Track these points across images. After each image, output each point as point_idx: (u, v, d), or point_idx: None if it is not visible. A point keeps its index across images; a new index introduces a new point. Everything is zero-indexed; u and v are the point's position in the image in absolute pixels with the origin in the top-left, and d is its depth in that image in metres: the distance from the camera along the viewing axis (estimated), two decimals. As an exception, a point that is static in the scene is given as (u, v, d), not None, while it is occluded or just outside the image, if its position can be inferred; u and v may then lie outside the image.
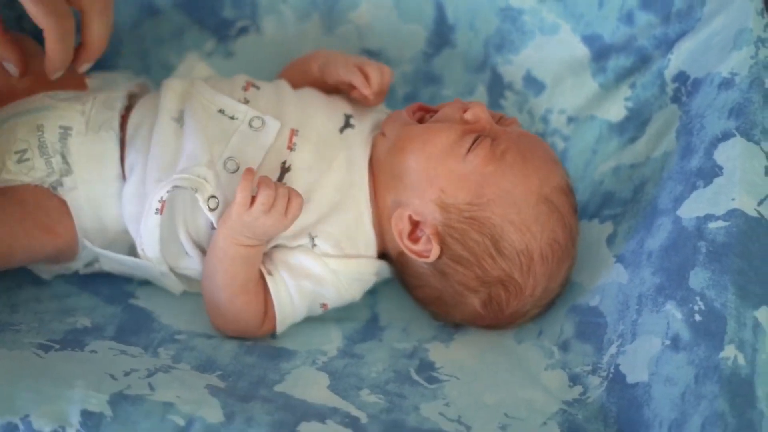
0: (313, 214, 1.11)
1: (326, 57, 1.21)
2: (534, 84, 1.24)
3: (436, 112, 1.14)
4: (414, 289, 1.18)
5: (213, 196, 1.08)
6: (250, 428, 0.98)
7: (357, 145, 1.14)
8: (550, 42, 1.22)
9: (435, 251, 1.10)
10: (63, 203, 1.13)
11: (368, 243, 1.14)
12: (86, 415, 0.97)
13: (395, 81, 1.28)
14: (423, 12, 1.25)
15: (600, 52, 1.20)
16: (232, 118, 1.12)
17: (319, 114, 1.15)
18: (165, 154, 1.11)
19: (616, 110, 1.20)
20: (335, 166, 1.12)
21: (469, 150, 1.08)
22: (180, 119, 1.13)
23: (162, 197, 1.08)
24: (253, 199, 1.05)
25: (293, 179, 1.11)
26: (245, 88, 1.16)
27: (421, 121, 1.13)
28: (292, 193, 1.05)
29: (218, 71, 1.29)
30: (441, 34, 1.26)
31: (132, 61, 1.23)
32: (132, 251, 1.15)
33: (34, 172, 1.12)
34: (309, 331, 1.17)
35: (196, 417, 0.98)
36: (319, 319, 1.18)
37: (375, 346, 1.15)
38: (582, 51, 1.21)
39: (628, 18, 1.19)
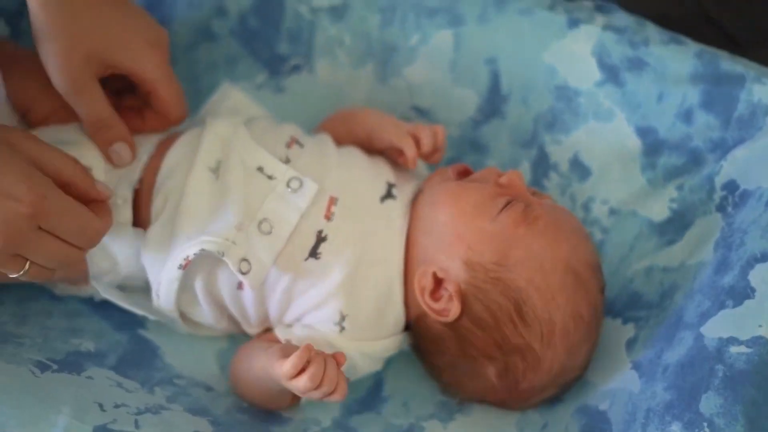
0: (343, 289, 1.08)
1: (376, 122, 1.18)
2: (580, 168, 1.20)
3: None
4: (430, 355, 1.14)
5: (245, 260, 1.07)
6: (225, 482, 0.97)
7: (396, 218, 1.11)
8: (602, 128, 1.18)
9: (455, 310, 1.06)
10: None
11: (398, 319, 1.11)
12: (64, 444, 0.97)
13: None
14: (478, 78, 1.22)
15: (652, 147, 1.16)
16: (270, 177, 1.10)
17: (362, 181, 1.12)
18: (197, 209, 1.08)
19: (659, 209, 1.15)
20: (372, 240, 1.09)
21: (501, 210, 1.06)
22: (217, 170, 1.10)
23: (188, 256, 1.07)
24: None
25: (327, 251, 1.08)
26: (289, 145, 1.13)
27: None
28: (341, 380, 1.00)
29: (266, 105, 1.27)
30: (492, 103, 1.22)
31: (183, 83, 1.22)
32: (146, 287, 1.13)
33: None
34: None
35: (171, 466, 0.97)
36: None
37: (371, 419, 1.13)
38: (634, 142, 1.17)
39: (687, 116, 1.14)
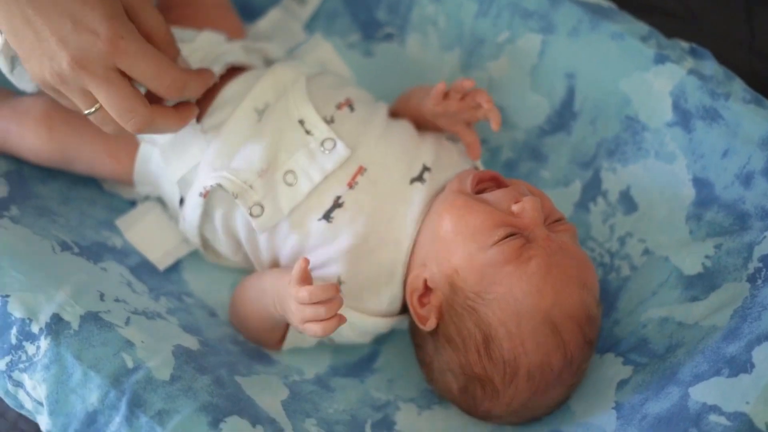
0: (347, 256, 1.09)
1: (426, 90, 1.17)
2: (628, 202, 1.18)
3: (504, 186, 1.10)
4: (415, 346, 1.16)
5: (259, 204, 1.10)
6: (185, 398, 1.00)
7: (418, 203, 1.10)
8: (661, 168, 1.16)
9: (431, 324, 1.07)
10: (135, 140, 1.18)
11: (393, 300, 1.11)
12: (55, 318, 1.03)
13: (502, 143, 1.26)
14: (554, 89, 1.21)
15: (704, 200, 1.13)
16: (307, 132, 1.12)
17: (397, 158, 1.12)
18: (230, 144, 1.12)
19: (692, 263, 1.12)
20: (387, 219, 1.10)
21: (496, 242, 1.03)
22: (262, 112, 1.14)
23: (206, 187, 1.11)
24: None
25: (341, 217, 1.09)
26: (340, 106, 1.14)
27: (479, 192, 1.09)
28: (333, 318, 1.00)
29: (351, 66, 1.30)
30: (562, 117, 1.21)
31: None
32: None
33: None
34: (300, 349, 1.17)
35: (144, 366, 1.02)
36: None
37: (352, 385, 1.15)
38: (688, 191, 1.14)
39: (747, 179, 1.10)
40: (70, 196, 1.22)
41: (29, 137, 1.17)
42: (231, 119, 1.13)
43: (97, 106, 1.01)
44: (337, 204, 1.10)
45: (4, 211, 1.13)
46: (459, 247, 1.05)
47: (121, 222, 1.21)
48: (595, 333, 1.07)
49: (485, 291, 1.03)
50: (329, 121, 1.13)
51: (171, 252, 1.20)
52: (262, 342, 1.16)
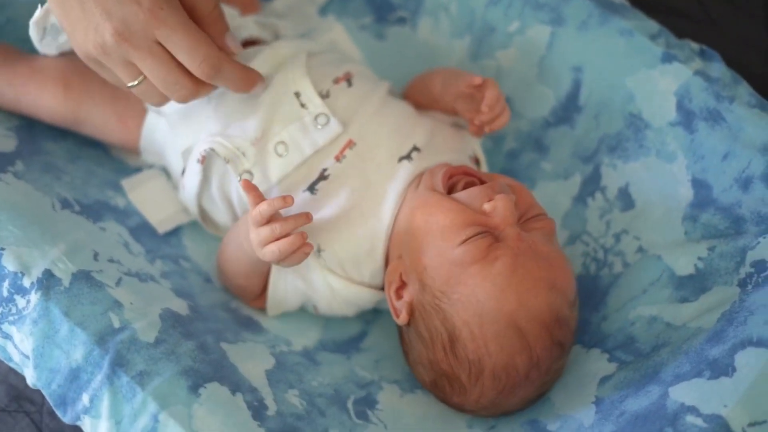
0: (327, 226, 1.10)
1: (452, 72, 1.19)
2: (626, 199, 1.18)
3: (479, 181, 1.09)
4: (398, 332, 1.16)
5: (248, 171, 1.11)
6: (167, 361, 1.01)
7: (401, 180, 1.10)
8: (661, 167, 1.15)
9: (402, 319, 1.08)
10: (143, 108, 1.20)
11: (375, 274, 1.12)
12: (47, 274, 1.04)
13: (506, 132, 1.26)
14: (561, 81, 1.21)
15: (702, 201, 1.12)
16: (302, 105, 1.13)
17: (388, 135, 1.12)
18: (227, 112, 1.14)
19: (684, 263, 1.11)
20: (370, 194, 1.10)
21: (464, 241, 1.02)
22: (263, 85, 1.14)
23: (201, 152, 1.12)
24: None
25: (324, 189, 1.10)
26: (337, 80, 1.15)
27: (450, 190, 1.08)
28: (306, 245, 1.03)
29: (362, 48, 1.31)
30: (567, 110, 1.21)
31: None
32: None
33: None
34: (292, 318, 1.18)
35: (130, 327, 1.03)
36: (310, 313, 1.19)
37: (338, 361, 1.16)
38: (686, 191, 1.13)
39: (746, 183, 1.10)
40: (79, 155, 1.24)
41: (45, 96, 1.18)
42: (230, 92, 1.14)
43: (140, 78, 1.02)
44: (322, 176, 1.11)
45: (8, 166, 1.14)
46: (428, 246, 1.05)
47: (127, 182, 1.23)
48: (567, 334, 1.05)
49: (451, 290, 1.03)
50: (324, 96, 1.13)
51: (172, 217, 1.22)
52: (245, 293, 1.16)
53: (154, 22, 0.98)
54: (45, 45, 1.15)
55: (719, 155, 1.12)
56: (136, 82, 1.03)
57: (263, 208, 1.02)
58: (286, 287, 1.13)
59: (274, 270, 1.13)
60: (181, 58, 1.01)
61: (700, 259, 1.11)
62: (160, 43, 0.99)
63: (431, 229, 1.05)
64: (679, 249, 1.13)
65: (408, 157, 1.12)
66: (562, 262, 1.05)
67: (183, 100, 1.04)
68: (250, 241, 1.05)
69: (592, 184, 1.21)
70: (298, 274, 1.12)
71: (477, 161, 1.19)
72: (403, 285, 1.08)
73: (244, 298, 1.17)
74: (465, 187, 1.07)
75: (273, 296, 1.14)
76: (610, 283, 1.16)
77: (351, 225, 1.10)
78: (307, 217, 1.04)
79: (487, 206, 1.03)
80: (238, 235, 1.12)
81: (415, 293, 1.06)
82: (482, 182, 1.08)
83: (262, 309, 1.17)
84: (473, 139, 1.19)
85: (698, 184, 1.13)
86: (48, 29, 1.13)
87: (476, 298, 1.02)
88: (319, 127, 1.12)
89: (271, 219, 1.03)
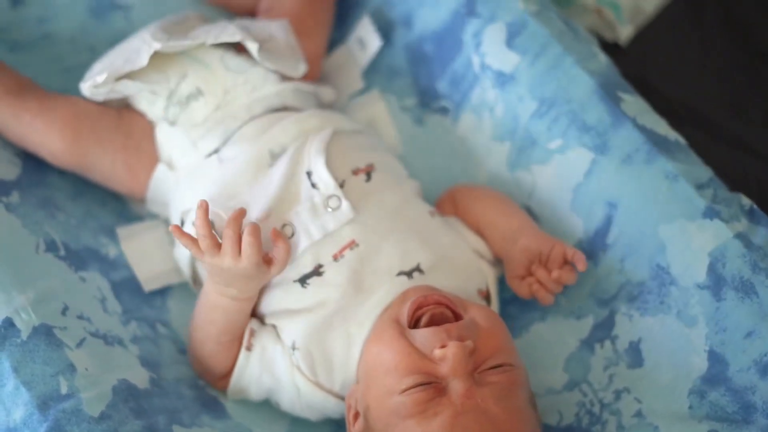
0: (307, 323, 1.04)
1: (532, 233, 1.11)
2: (635, 355, 1.07)
3: (451, 313, 1.00)
4: None
5: None
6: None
7: (391, 295, 1.04)
8: (679, 330, 1.05)
9: None
10: (155, 159, 1.15)
11: (346, 385, 1.05)
12: (7, 322, 1.01)
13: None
14: (593, 214, 1.12)
15: (714, 378, 1.02)
16: (313, 185, 1.07)
17: (393, 244, 1.05)
18: (234, 183, 1.09)
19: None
20: (357, 300, 1.04)
21: (404, 390, 0.94)
22: (276, 156, 1.09)
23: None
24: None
25: (316, 285, 1.04)
26: (356, 172, 1.09)
27: (416, 322, 1.00)
28: (252, 236, 0.98)
29: (399, 128, 1.25)
30: (593, 245, 1.12)
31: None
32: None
33: (154, 108, 1.14)
34: (261, 406, 1.11)
35: (77, 396, 0.98)
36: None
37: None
38: (700, 361, 1.03)
39: (765, 369, 0.99)
40: (83, 191, 1.19)
41: (52, 137, 1.14)
42: (241, 157, 1.10)
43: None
44: (317, 272, 1.05)
45: (2, 196, 1.11)
46: (374, 383, 0.98)
47: (122, 231, 1.18)
48: None
49: None
50: (340, 185, 1.07)
51: (160, 276, 1.16)
52: (212, 367, 1.09)
53: None
54: (94, 91, 1.12)
55: (743, 331, 1.02)
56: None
57: (201, 231, 0.99)
58: (251, 377, 1.07)
59: (242, 356, 1.07)
60: None
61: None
62: None
63: (378, 368, 0.98)
64: (679, 424, 1.02)
65: (409, 274, 1.05)
66: (511, 426, 0.95)
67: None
68: (222, 270, 1.00)
69: (603, 330, 1.11)
70: (266, 367, 1.06)
71: (487, 296, 1.11)
72: (357, 414, 1.01)
73: (211, 374, 1.10)
74: (429, 323, 0.99)
75: (237, 381, 1.08)
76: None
77: (330, 328, 1.04)
78: (240, 211, 1.01)
79: (437, 353, 0.95)
80: (208, 294, 1.06)
81: (360, 428, 0.99)
82: (455, 314, 1.00)
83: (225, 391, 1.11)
84: (491, 270, 1.12)
85: (714, 358, 1.03)
86: (114, 89, 1.11)
87: None
88: (330, 210, 1.05)
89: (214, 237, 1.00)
